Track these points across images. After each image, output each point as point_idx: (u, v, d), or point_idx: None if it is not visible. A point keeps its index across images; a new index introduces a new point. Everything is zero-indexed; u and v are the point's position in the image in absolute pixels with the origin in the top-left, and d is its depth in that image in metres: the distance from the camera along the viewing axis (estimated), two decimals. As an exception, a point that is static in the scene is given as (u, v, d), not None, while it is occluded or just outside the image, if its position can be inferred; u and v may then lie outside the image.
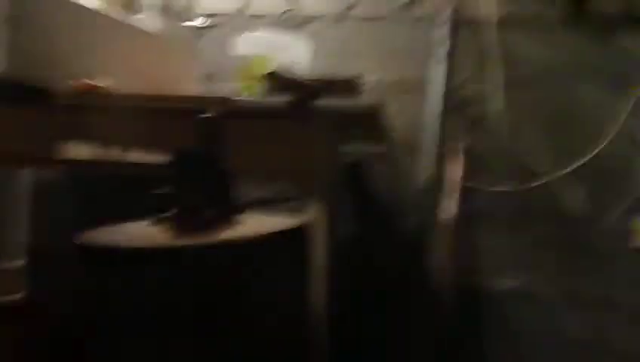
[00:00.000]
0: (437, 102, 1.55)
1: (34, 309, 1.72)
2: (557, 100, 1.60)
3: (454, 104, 1.62)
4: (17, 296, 1.92)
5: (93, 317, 0.71)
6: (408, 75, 1.66)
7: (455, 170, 1.57)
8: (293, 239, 0.76)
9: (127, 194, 1.12)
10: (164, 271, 0.62)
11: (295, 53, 1.32)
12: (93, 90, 1.10)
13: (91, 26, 1.21)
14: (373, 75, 1.66)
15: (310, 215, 0.89)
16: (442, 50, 1.56)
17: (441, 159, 1.59)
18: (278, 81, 1.01)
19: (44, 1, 1.11)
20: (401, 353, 1.52)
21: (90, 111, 1.13)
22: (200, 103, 1.04)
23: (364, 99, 1.08)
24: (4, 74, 1.04)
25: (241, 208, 0.81)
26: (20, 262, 1.94)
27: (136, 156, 1.13)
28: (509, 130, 1.60)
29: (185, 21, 1.69)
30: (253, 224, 0.73)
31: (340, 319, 1.59)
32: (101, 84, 1.12)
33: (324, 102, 1.06)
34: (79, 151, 1.16)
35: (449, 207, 1.56)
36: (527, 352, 1.60)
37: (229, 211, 0.77)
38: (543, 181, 1.58)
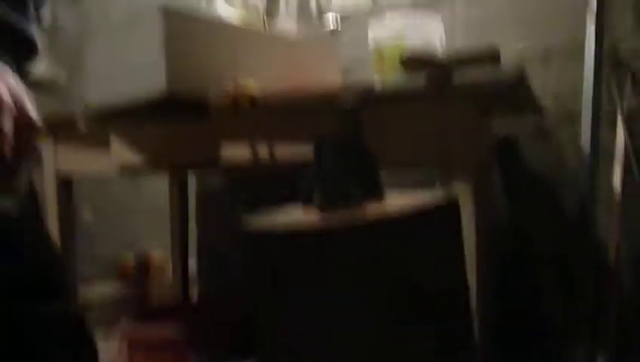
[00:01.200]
0: (592, 64, 1.43)
1: (210, 304, 1.89)
2: None
3: (613, 64, 1.48)
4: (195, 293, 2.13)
5: (265, 299, 0.75)
6: (557, 39, 1.55)
7: (619, 136, 1.43)
8: (444, 216, 0.75)
9: (280, 189, 1.19)
10: (319, 251, 0.65)
11: (430, 34, 1.30)
12: (244, 94, 1.19)
13: (235, 39, 1.30)
14: (517, 44, 1.58)
15: (459, 195, 0.87)
16: (594, 5, 1.44)
17: (601, 126, 1.46)
18: (413, 63, 1.01)
19: (194, 21, 1.22)
20: (565, 336, 1.42)
21: (243, 113, 1.22)
22: (339, 95, 1.08)
23: (507, 70, 1.03)
24: (166, 92, 1.16)
25: (386, 191, 0.82)
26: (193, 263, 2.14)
27: (285, 151, 1.20)
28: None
29: (321, 21, 1.75)
30: (401, 202, 0.74)
31: (500, 301, 1.53)
32: (250, 90, 1.20)
33: (463, 78, 1.03)
34: (234, 153, 1.25)
35: (615, 177, 1.43)
36: None
37: (375, 192, 0.78)
38: None
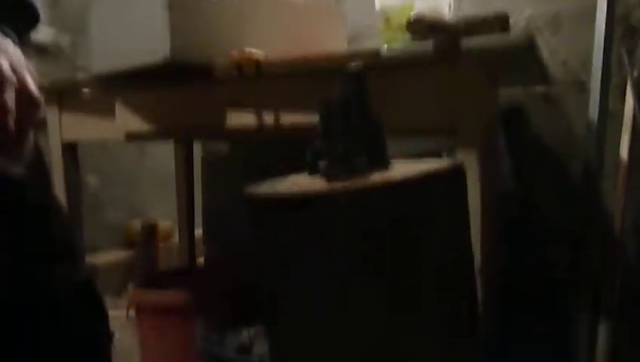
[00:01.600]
0: (603, 31, 1.40)
1: (216, 270, 1.91)
2: None
3: (624, 31, 1.45)
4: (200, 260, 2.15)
5: (270, 268, 0.76)
6: (567, 5, 1.52)
7: (628, 105, 1.42)
8: (449, 181, 0.75)
9: (285, 155, 1.19)
10: (322, 217, 0.65)
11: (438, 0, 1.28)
12: (249, 60, 1.18)
13: (240, 3, 1.28)
14: (526, 10, 1.55)
15: (464, 162, 0.86)
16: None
17: (610, 94, 1.44)
18: (420, 26, 0.99)
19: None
20: (568, 304, 1.43)
21: (248, 80, 1.21)
22: (345, 59, 1.06)
23: (516, 37, 1.01)
24: (170, 57, 1.15)
25: (391, 157, 0.82)
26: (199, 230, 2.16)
27: (291, 119, 1.20)
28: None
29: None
30: (406, 169, 0.74)
31: (505, 269, 1.54)
32: (255, 54, 1.18)
33: (471, 44, 1.02)
34: (240, 120, 1.25)
35: (622, 147, 1.42)
36: None
37: (380, 158, 0.78)
38: None
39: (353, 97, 0.78)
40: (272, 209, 0.68)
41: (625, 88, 1.44)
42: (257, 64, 1.17)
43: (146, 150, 2.39)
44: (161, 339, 1.52)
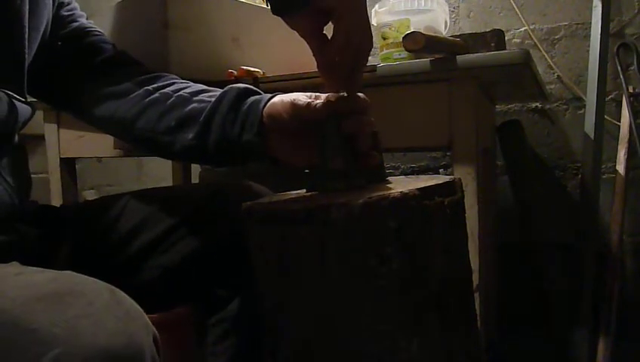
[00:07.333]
0: (598, 46, 1.42)
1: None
2: None
3: (618, 46, 1.47)
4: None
5: (269, 282, 0.76)
6: (562, 22, 1.54)
7: (624, 120, 1.43)
8: (447, 197, 0.75)
9: (283, 170, 1.19)
10: (321, 230, 0.65)
11: (434, 16, 1.29)
12: (247, 77, 1.18)
13: (238, 16, 1.29)
14: (522, 26, 1.57)
15: (461, 179, 0.87)
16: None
17: (606, 109, 1.45)
18: (417, 42, 1.00)
19: (195, 2, 1.21)
20: (567, 320, 1.43)
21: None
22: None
23: (512, 52, 1.02)
24: (169, 73, 1.16)
25: (388, 174, 0.82)
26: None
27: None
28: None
29: None
30: (403, 185, 0.74)
31: (503, 285, 1.54)
32: (254, 70, 1.19)
33: (467, 60, 1.03)
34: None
35: (619, 160, 1.42)
36: None
37: (378, 174, 0.78)
38: None
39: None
40: (272, 224, 0.68)
41: (621, 103, 1.45)
42: (255, 80, 1.18)
43: (144, 165, 2.39)
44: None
